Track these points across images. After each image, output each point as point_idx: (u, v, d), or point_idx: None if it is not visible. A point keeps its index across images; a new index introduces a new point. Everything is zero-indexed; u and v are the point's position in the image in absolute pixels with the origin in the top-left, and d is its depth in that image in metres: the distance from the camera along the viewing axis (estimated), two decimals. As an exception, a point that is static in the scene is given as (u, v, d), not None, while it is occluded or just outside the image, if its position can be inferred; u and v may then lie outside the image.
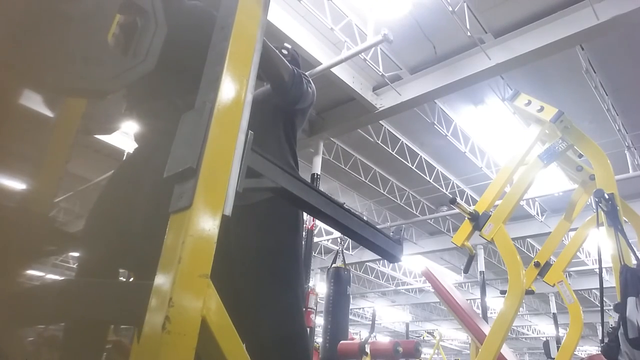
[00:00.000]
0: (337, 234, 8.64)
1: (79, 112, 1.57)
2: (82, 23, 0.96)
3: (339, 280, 5.77)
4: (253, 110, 1.22)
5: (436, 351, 11.61)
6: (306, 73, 1.88)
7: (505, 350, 3.93)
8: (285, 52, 1.90)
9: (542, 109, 3.28)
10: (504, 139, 7.16)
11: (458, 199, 3.59)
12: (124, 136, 7.30)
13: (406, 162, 7.73)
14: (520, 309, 4.87)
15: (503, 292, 3.04)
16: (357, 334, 16.84)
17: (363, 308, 18.99)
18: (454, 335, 21.33)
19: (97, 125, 1.73)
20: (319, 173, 6.76)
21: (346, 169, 8.11)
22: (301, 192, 1.19)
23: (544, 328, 19.82)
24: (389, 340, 5.86)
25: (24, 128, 1.41)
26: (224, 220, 0.89)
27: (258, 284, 1.49)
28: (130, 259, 1.40)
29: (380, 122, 6.92)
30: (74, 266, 14.64)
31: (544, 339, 11.87)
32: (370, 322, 6.18)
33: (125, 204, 1.41)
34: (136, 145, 1.66)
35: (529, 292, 3.87)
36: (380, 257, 1.67)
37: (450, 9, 4.73)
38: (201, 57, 1.02)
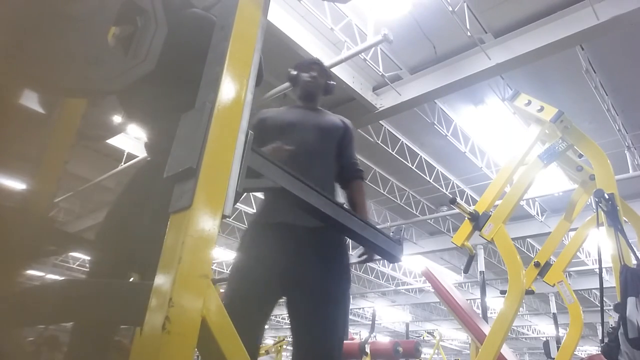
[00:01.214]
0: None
1: (79, 112, 1.57)
2: (82, 23, 0.96)
3: (339, 280, 5.76)
4: (323, 136, 1.72)
5: (436, 351, 11.61)
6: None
7: (505, 350, 3.93)
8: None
9: (542, 109, 3.28)
10: (504, 139, 7.15)
11: (458, 199, 3.59)
12: (123, 136, 7.31)
13: (406, 162, 7.73)
14: (520, 309, 4.87)
15: (503, 292, 3.05)
16: (357, 334, 16.84)
17: (363, 308, 18.99)
18: (454, 335, 21.33)
19: (100, 129, 1.73)
20: (319, 173, 6.75)
21: (346, 169, 8.10)
22: (301, 192, 1.19)
23: (544, 328, 19.81)
24: (389, 340, 5.87)
25: (24, 128, 1.41)
26: (223, 220, 0.89)
27: (334, 298, 1.69)
28: (140, 262, 1.41)
29: (380, 122, 6.92)
30: (75, 266, 14.68)
31: (544, 339, 11.86)
32: (370, 322, 6.19)
33: (139, 206, 1.41)
34: (146, 148, 1.68)
35: (529, 292, 3.87)
36: (380, 257, 1.69)
37: (450, 9, 4.73)
38: (202, 63, 1.03)
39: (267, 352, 9.04)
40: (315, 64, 2.11)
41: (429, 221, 10.15)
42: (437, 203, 9.92)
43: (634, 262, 2.66)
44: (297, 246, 1.68)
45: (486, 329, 4.03)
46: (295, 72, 2.09)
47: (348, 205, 2.00)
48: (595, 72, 5.69)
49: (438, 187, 8.58)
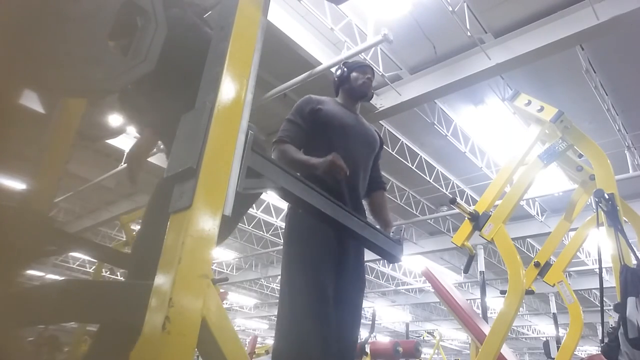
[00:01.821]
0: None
1: (79, 112, 1.58)
2: (82, 23, 0.96)
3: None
4: (369, 149, 1.95)
5: (436, 351, 11.60)
6: (306, 73, 2.02)
7: (505, 350, 3.92)
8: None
9: (542, 109, 3.28)
10: (504, 139, 7.15)
11: (458, 199, 3.59)
12: (123, 136, 7.31)
13: (406, 162, 7.72)
14: (520, 309, 4.86)
15: (503, 292, 3.04)
16: (357, 334, 16.79)
17: (363, 308, 18.93)
18: (454, 335, 21.32)
19: (101, 129, 1.73)
20: (319, 173, 6.74)
21: (346, 169, 8.10)
22: (301, 192, 1.19)
23: (544, 328, 19.80)
24: (389, 340, 5.86)
25: (24, 128, 1.41)
26: (224, 220, 0.89)
27: (361, 303, 1.93)
28: None
29: (380, 122, 6.92)
30: (75, 266, 14.69)
31: (544, 339, 11.85)
32: (370, 322, 6.18)
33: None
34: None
35: (529, 292, 3.87)
36: (380, 257, 1.70)
37: (450, 9, 4.73)
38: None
39: (266, 352, 9.03)
40: (369, 68, 2.14)
41: (429, 221, 10.15)
42: (437, 203, 9.91)
43: (634, 262, 2.66)
44: (346, 248, 1.79)
45: (486, 329, 4.03)
46: (345, 70, 2.09)
47: (370, 210, 2.11)
48: (595, 72, 5.69)
49: (438, 187, 8.57)
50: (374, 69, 5.27)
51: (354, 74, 2.07)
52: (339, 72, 2.11)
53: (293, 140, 1.84)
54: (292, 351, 1.58)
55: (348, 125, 1.94)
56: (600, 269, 2.85)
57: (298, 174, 1.81)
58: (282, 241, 1.91)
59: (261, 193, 1.66)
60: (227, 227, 1.73)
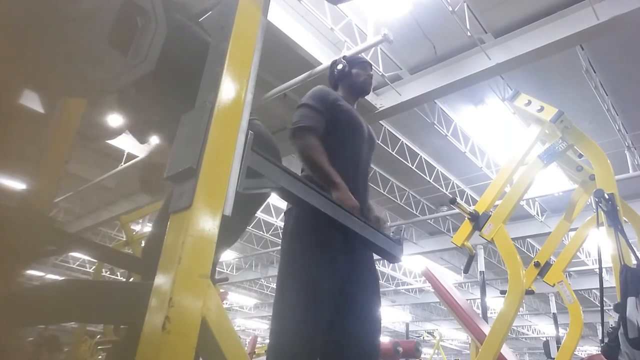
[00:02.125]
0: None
1: (79, 112, 1.58)
2: (82, 23, 0.96)
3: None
4: (371, 150, 1.87)
5: (436, 351, 11.61)
6: (306, 73, 2.00)
7: (505, 350, 3.92)
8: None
9: (542, 109, 3.28)
10: (504, 139, 7.16)
11: (458, 199, 3.59)
12: (123, 136, 7.31)
13: (406, 162, 7.72)
14: (520, 309, 4.86)
15: (503, 292, 3.04)
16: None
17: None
18: (454, 335, 21.33)
19: (101, 129, 1.73)
20: (319, 173, 6.73)
21: (346, 169, 8.09)
22: (301, 192, 1.18)
23: (544, 328, 19.81)
24: (389, 340, 5.86)
25: (24, 128, 1.41)
26: (224, 220, 0.89)
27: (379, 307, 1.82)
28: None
29: (380, 122, 6.92)
30: (75, 266, 14.70)
31: (544, 339, 11.86)
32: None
33: None
34: None
35: (529, 292, 3.86)
36: (380, 257, 1.68)
37: (450, 9, 4.73)
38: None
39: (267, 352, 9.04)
40: (369, 64, 2.13)
41: (429, 221, 10.15)
42: (437, 203, 9.92)
43: (634, 262, 2.66)
44: (356, 252, 1.74)
45: (486, 329, 4.03)
46: (346, 65, 2.07)
47: None
48: (595, 72, 5.69)
49: (438, 187, 8.57)
50: (374, 68, 5.22)
51: (355, 70, 2.05)
52: (339, 66, 2.06)
53: (318, 130, 1.75)
54: (277, 350, 1.56)
55: (360, 126, 1.92)
56: (600, 269, 2.85)
57: (310, 174, 1.73)
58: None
59: (269, 195, 1.62)
60: (235, 230, 1.69)
